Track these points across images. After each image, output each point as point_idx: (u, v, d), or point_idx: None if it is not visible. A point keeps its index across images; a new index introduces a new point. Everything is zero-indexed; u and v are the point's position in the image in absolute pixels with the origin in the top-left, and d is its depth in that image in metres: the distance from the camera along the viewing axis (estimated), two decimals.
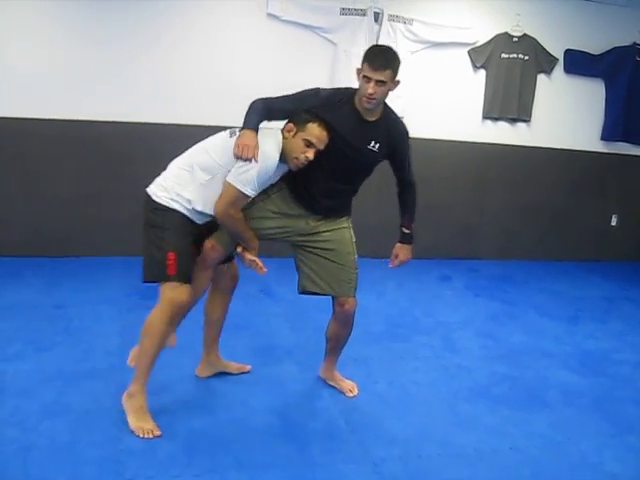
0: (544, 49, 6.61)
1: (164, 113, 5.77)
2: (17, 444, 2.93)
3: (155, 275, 3.17)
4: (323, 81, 6.03)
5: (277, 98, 3.28)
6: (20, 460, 2.81)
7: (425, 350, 4.40)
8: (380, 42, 5.98)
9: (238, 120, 3.47)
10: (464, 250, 6.94)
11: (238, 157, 3.04)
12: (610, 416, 3.67)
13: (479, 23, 6.41)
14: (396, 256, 3.60)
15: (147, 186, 3.32)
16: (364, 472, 2.96)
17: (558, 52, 6.69)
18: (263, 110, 3.21)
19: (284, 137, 3.19)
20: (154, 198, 3.21)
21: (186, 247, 3.19)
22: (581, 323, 5.27)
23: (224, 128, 3.44)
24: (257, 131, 3.11)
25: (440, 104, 6.49)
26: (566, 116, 6.91)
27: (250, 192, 3.10)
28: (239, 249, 3.35)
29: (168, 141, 5.69)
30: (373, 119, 3.25)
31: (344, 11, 5.97)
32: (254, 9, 5.82)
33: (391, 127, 3.31)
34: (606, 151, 7.11)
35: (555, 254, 7.20)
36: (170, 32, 5.70)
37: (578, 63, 6.76)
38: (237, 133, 3.14)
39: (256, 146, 3.05)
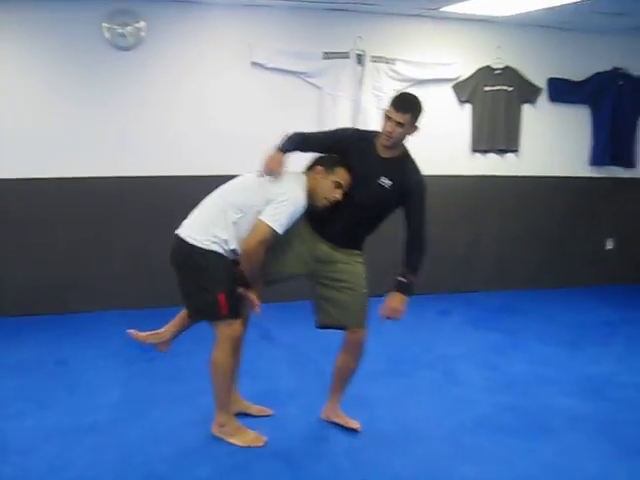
0: (526, 79, 6.69)
1: (154, 166, 5.85)
2: None
3: (209, 316, 3.42)
4: (310, 125, 6.12)
5: (312, 132, 3.68)
6: None
7: (427, 385, 4.39)
8: (364, 83, 6.12)
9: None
10: (461, 283, 6.94)
11: (265, 172, 3.38)
12: (616, 439, 3.66)
13: (460, 58, 6.50)
14: (387, 305, 3.53)
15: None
16: None
17: (541, 81, 6.78)
18: (298, 140, 3.55)
19: (312, 179, 3.46)
20: (191, 241, 3.36)
21: (231, 285, 3.40)
22: (582, 348, 5.25)
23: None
24: (285, 154, 3.44)
25: (428, 140, 6.47)
26: (554, 144, 6.97)
27: (280, 230, 3.32)
28: (241, 289, 3.47)
29: (158, 193, 5.82)
30: (389, 157, 3.48)
31: (327, 55, 6.06)
32: (238, 59, 5.92)
33: (406, 171, 3.51)
34: (596, 175, 7.15)
35: (552, 281, 7.19)
36: (157, 88, 5.82)
37: (562, 91, 6.85)
38: (263, 174, 3.41)
39: (280, 164, 3.39)
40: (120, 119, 5.73)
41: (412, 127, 3.43)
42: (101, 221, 5.83)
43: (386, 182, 3.44)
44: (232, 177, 3.57)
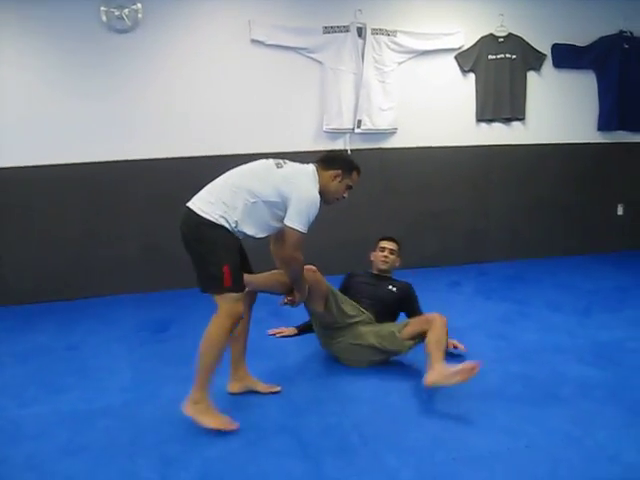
0: (530, 46, 6.63)
1: (158, 149, 5.86)
2: None
3: (214, 288, 3.36)
4: (314, 100, 6.09)
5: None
6: None
7: None
8: (366, 56, 6.08)
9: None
10: (472, 254, 6.93)
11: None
12: (627, 405, 3.62)
13: (463, 27, 6.45)
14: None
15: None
16: None
17: (545, 47, 6.72)
18: None
19: (328, 178, 3.64)
20: (201, 214, 3.36)
21: (237, 260, 3.42)
22: (594, 315, 5.22)
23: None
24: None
25: (433, 112, 6.51)
26: (560, 110, 6.92)
27: (307, 230, 3.48)
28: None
29: (163, 176, 5.84)
30: (386, 275, 4.62)
31: (327, 29, 6.02)
32: (238, 37, 5.90)
33: (398, 283, 4.56)
34: (604, 141, 7.10)
35: (564, 249, 7.16)
36: (157, 70, 5.84)
37: (566, 57, 6.78)
38: (282, 165, 3.50)
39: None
40: (122, 102, 5.74)
41: (399, 257, 4.67)
42: (108, 206, 5.86)
43: (393, 289, 4.49)
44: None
